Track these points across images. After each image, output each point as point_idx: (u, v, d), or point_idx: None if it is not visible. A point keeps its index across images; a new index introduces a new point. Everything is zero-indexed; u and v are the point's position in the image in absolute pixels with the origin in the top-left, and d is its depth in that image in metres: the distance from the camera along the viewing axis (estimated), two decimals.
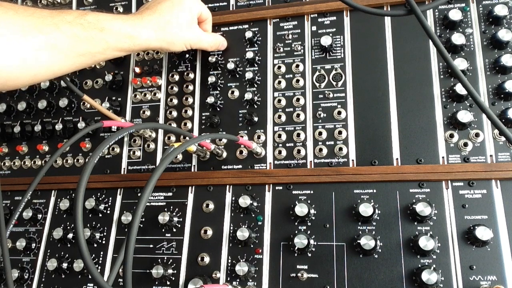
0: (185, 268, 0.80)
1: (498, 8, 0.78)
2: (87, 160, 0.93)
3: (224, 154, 0.85)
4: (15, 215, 0.73)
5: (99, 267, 0.84)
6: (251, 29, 0.91)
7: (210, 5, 0.94)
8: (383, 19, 0.85)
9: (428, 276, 0.67)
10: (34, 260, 0.88)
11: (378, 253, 0.73)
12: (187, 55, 0.93)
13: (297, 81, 0.86)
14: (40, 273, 0.87)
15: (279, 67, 0.87)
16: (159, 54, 0.96)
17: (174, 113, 0.91)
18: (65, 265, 0.84)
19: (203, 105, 0.90)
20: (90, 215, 0.88)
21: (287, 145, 0.84)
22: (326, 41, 0.85)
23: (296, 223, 0.78)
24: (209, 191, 0.84)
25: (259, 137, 0.85)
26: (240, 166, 0.85)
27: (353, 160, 0.80)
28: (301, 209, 0.76)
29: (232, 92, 0.88)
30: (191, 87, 0.91)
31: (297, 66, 0.87)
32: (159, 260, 0.81)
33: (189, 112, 0.90)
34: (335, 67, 0.85)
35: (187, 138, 0.83)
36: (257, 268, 0.77)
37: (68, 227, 0.88)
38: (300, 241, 0.74)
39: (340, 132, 0.81)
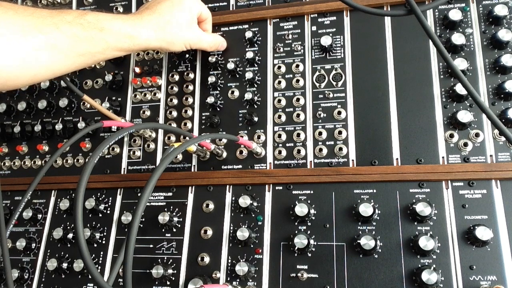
0: (185, 268, 0.80)
1: (498, 8, 0.78)
2: (87, 160, 0.93)
3: (224, 154, 0.85)
4: (15, 215, 0.73)
5: (99, 267, 0.84)
6: (251, 29, 0.91)
7: (210, 5, 0.94)
8: (383, 19, 0.85)
9: (428, 276, 0.67)
10: (34, 260, 0.88)
11: (378, 253, 0.73)
12: (187, 55, 0.93)
13: (297, 81, 0.86)
14: (40, 273, 0.87)
15: (279, 67, 0.87)
16: (159, 54, 0.96)
17: (174, 113, 0.91)
18: (65, 265, 0.84)
19: (203, 105, 0.90)
20: (90, 215, 0.88)
21: (287, 145, 0.84)
22: (326, 41, 0.85)
23: (296, 223, 0.78)
24: (209, 191, 0.84)
25: (259, 137, 0.85)
26: (240, 166, 0.85)
27: (353, 160, 0.80)
28: (301, 209, 0.76)
29: (232, 92, 0.88)
30: (191, 87, 0.91)
31: (297, 66, 0.87)
32: (159, 260, 0.81)
33: (189, 112, 0.90)
34: (335, 67, 0.85)
35: (187, 138, 0.83)
36: (257, 268, 0.77)
37: (68, 227, 0.88)
38: (300, 241, 0.74)
39: (340, 132, 0.81)
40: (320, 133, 0.82)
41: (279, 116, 0.85)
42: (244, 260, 0.77)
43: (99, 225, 0.87)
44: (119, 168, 0.91)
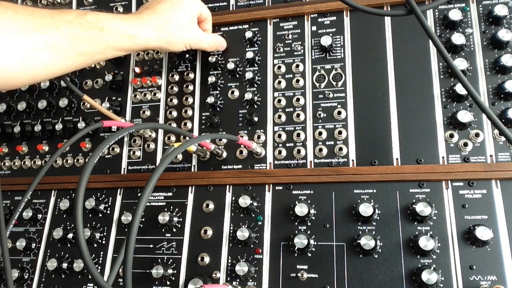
0: (185, 268, 0.80)
1: (498, 8, 0.78)
2: (87, 160, 0.93)
3: (224, 154, 0.85)
4: (15, 215, 0.73)
5: (99, 267, 0.84)
6: (251, 29, 0.91)
7: (210, 5, 0.94)
8: (383, 19, 0.85)
9: (428, 276, 0.67)
10: (34, 260, 0.88)
11: (378, 253, 0.73)
12: (187, 55, 0.93)
13: (297, 81, 0.86)
14: (40, 273, 0.87)
15: (279, 67, 0.87)
16: (159, 54, 0.96)
17: (174, 113, 0.91)
18: (65, 265, 0.84)
19: (203, 105, 0.90)
20: (90, 215, 0.88)
21: (287, 145, 0.84)
22: (326, 41, 0.85)
23: (296, 223, 0.78)
24: (209, 191, 0.84)
25: (259, 137, 0.85)
26: (240, 166, 0.85)
27: (353, 160, 0.80)
28: (301, 209, 0.76)
29: (232, 92, 0.88)
30: (191, 87, 0.91)
31: (297, 66, 0.87)
32: (159, 260, 0.81)
33: (189, 112, 0.90)
34: (335, 67, 0.85)
35: (187, 138, 0.83)
36: (257, 268, 0.77)
37: (68, 227, 0.88)
38: (300, 241, 0.74)
39: (340, 132, 0.81)
40: (320, 133, 0.82)
41: (279, 116, 0.85)
42: (244, 260, 0.77)
43: (99, 225, 0.87)
44: (119, 168, 0.91)
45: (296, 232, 0.76)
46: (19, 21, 0.62)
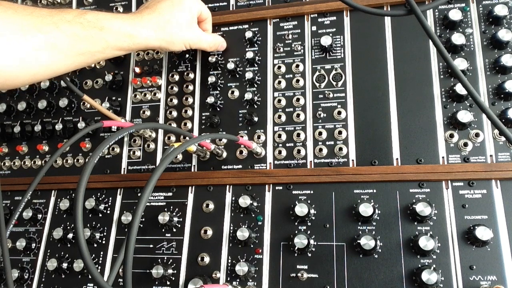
0: (185, 268, 0.80)
1: (498, 8, 0.78)
2: (87, 160, 0.93)
3: (224, 154, 0.85)
4: (15, 215, 0.73)
5: (99, 267, 0.84)
6: (251, 29, 0.91)
7: (210, 5, 0.94)
8: (383, 19, 0.85)
9: (428, 276, 0.67)
10: (34, 260, 0.88)
11: (378, 253, 0.73)
12: (187, 55, 0.93)
13: (297, 81, 0.86)
14: (40, 273, 0.87)
15: (279, 67, 0.87)
16: (159, 54, 0.96)
17: (174, 113, 0.91)
18: (65, 265, 0.84)
19: (203, 105, 0.90)
20: (90, 215, 0.88)
21: (287, 145, 0.84)
22: (326, 41, 0.85)
23: (296, 223, 0.78)
24: (209, 191, 0.84)
25: (259, 137, 0.85)
26: (240, 166, 0.85)
27: (353, 160, 0.80)
28: (301, 209, 0.76)
29: (232, 92, 0.88)
30: (191, 87, 0.91)
31: (297, 66, 0.87)
32: (159, 260, 0.81)
33: (189, 112, 0.90)
34: (335, 67, 0.85)
35: (187, 138, 0.83)
36: (257, 268, 0.77)
37: (68, 227, 0.88)
38: (300, 241, 0.74)
39: (340, 132, 0.81)
40: (320, 133, 0.82)
41: (279, 116, 0.85)
42: (244, 260, 0.77)
43: (99, 225, 0.87)
44: (119, 168, 0.91)
45: (296, 232, 0.76)
46: (19, 20, 0.62)
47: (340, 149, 0.80)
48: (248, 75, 0.87)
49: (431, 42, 0.68)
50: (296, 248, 0.74)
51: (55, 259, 0.85)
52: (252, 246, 0.78)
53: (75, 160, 0.94)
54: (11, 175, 0.97)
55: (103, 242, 0.86)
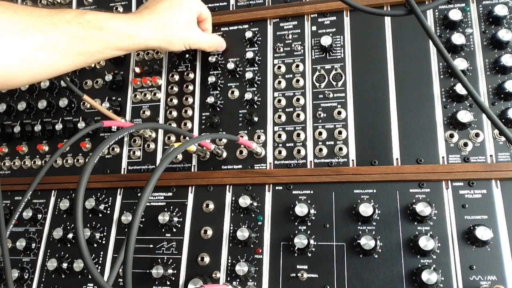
0: (185, 268, 0.80)
1: (498, 8, 0.78)
2: (87, 160, 0.93)
3: (224, 154, 0.85)
4: (15, 215, 0.73)
5: (99, 267, 0.84)
6: (251, 29, 0.91)
7: (210, 5, 0.94)
8: (383, 19, 0.85)
9: (428, 276, 0.67)
10: (34, 260, 0.88)
11: (378, 253, 0.73)
12: (187, 55, 0.93)
13: (297, 81, 0.86)
14: (40, 273, 0.87)
15: (279, 67, 0.87)
16: (159, 54, 0.96)
17: (174, 113, 0.91)
18: (65, 265, 0.84)
19: (203, 105, 0.90)
20: (90, 215, 0.88)
21: (287, 145, 0.84)
22: (326, 41, 0.85)
23: (296, 223, 0.78)
24: (209, 191, 0.84)
25: (259, 137, 0.85)
26: (240, 166, 0.85)
27: (353, 160, 0.80)
28: (301, 209, 0.76)
29: (232, 92, 0.88)
30: (191, 87, 0.91)
31: (297, 66, 0.87)
32: (159, 260, 0.81)
33: (189, 112, 0.90)
34: (335, 67, 0.85)
35: (187, 138, 0.83)
36: (257, 268, 0.77)
37: (68, 227, 0.88)
38: (300, 241, 0.74)
39: (340, 132, 0.81)
40: (320, 133, 0.82)
41: (279, 116, 0.85)
42: (244, 260, 0.77)
43: (99, 225, 0.87)
44: (119, 168, 0.91)
45: (296, 232, 0.76)
46: (19, 21, 0.62)
47: (340, 149, 0.80)
48: (248, 75, 0.87)
49: (431, 42, 0.68)
50: (296, 248, 0.74)
51: (55, 259, 0.85)
52: (252, 246, 0.78)
53: (75, 160, 0.94)
54: (11, 175, 0.97)
55: (103, 242, 0.86)
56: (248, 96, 0.86)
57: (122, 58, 0.98)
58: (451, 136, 0.76)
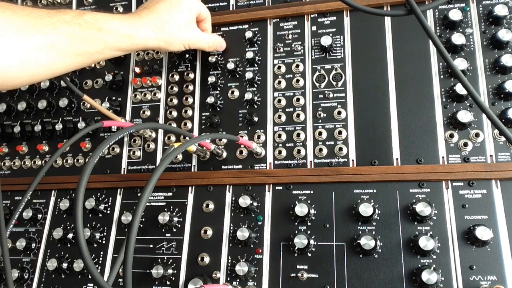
0: (185, 268, 0.80)
1: (498, 8, 0.78)
2: (87, 160, 0.93)
3: (224, 154, 0.85)
4: (15, 215, 0.73)
5: (99, 267, 0.84)
6: (251, 29, 0.91)
7: (210, 5, 0.95)
8: (383, 19, 0.85)
9: (428, 276, 0.67)
10: (34, 260, 0.88)
11: (378, 253, 0.73)
12: (187, 55, 0.93)
13: (297, 81, 0.86)
14: (40, 273, 0.87)
15: (279, 67, 0.87)
16: (159, 54, 0.96)
17: (174, 113, 0.91)
18: (65, 265, 0.84)
19: (203, 105, 0.90)
20: (90, 215, 0.88)
21: (287, 145, 0.84)
22: (326, 41, 0.85)
23: (296, 223, 0.78)
24: (209, 191, 0.84)
25: (259, 137, 0.85)
26: (240, 166, 0.85)
27: (353, 160, 0.80)
28: (301, 209, 0.76)
29: (232, 92, 0.88)
30: (191, 87, 0.91)
31: (297, 66, 0.87)
32: (159, 260, 0.81)
33: (189, 112, 0.90)
34: (335, 67, 0.85)
35: (187, 138, 0.83)
36: (257, 268, 0.77)
37: (68, 227, 0.88)
38: (300, 241, 0.74)
39: (340, 132, 0.81)
40: (320, 133, 0.82)
41: (279, 116, 0.85)
42: (244, 260, 0.77)
43: (99, 225, 0.87)
44: (119, 168, 0.91)
45: (296, 232, 0.76)
46: (18, 21, 0.62)
47: (340, 149, 0.80)
48: (248, 75, 0.87)
49: (431, 42, 0.68)
50: (296, 248, 0.74)
51: (55, 259, 0.85)
52: (252, 246, 0.78)
53: (75, 160, 0.94)
54: (11, 175, 0.97)
55: (103, 242, 0.86)
56: (248, 96, 0.86)
57: (122, 58, 0.98)
58: (451, 136, 0.76)
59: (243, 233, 0.77)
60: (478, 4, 0.82)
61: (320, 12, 0.88)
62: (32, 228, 0.91)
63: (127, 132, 0.65)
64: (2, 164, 0.98)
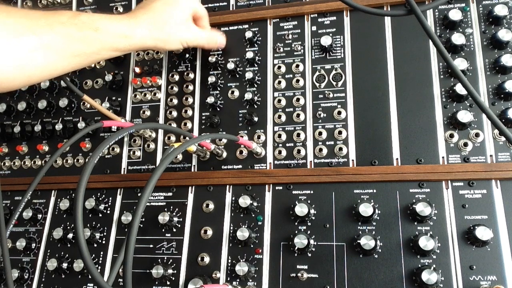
0: (185, 268, 0.80)
1: (498, 8, 0.78)
2: (87, 160, 0.93)
3: (224, 154, 0.85)
4: (15, 215, 0.73)
5: (99, 267, 0.84)
6: (251, 29, 0.91)
7: (210, 5, 0.95)
8: (383, 19, 0.85)
9: (428, 276, 0.67)
10: (34, 260, 0.88)
11: (378, 253, 0.73)
12: (187, 55, 0.93)
13: (297, 81, 0.86)
14: (40, 273, 0.87)
15: (279, 67, 0.87)
16: (159, 54, 0.96)
17: (174, 113, 0.91)
18: (65, 265, 0.84)
19: (203, 105, 0.90)
20: (90, 215, 0.88)
21: (287, 145, 0.84)
22: (326, 41, 0.85)
23: (296, 223, 0.78)
24: (209, 191, 0.84)
25: (259, 137, 0.85)
26: (240, 166, 0.85)
27: (353, 160, 0.80)
28: (301, 209, 0.76)
29: (232, 92, 0.88)
30: (191, 87, 0.91)
31: (297, 66, 0.87)
32: (159, 260, 0.81)
33: (189, 112, 0.90)
34: (335, 67, 0.85)
35: (187, 138, 0.83)
36: (257, 268, 0.77)
37: (68, 227, 0.88)
38: (300, 241, 0.74)
39: (340, 132, 0.81)
40: (320, 133, 0.82)
41: (279, 116, 0.85)
42: (244, 260, 0.77)
43: (99, 225, 0.87)
44: (119, 168, 0.91)
45: (296, 232, 0.76)
46: (13, 23, 0.62)
47: (340, 149, 0.80)
48: (248, 75, 0.87)
49: (431, 42, 0.68)
50: (296, 248, 0.74)
51: (55, 259, 0.85)
52: (252, 246, 0.78)
53: (75, 160, 0.94)
54: (11, 175, 0.97)
55: (103, 242, 0.86)
56: (248, 96, 0.86)
57: (122, 58, 0.98)
58: (451, 136, 0.76)
59: (243, 233, 0.77)
60: (478, 4, 0.82)
61: (320, 12, 0.88)
62: (32, 228, 0.91)
63: (127, 132, 0.65)
64: (2, 164, 0.98)
